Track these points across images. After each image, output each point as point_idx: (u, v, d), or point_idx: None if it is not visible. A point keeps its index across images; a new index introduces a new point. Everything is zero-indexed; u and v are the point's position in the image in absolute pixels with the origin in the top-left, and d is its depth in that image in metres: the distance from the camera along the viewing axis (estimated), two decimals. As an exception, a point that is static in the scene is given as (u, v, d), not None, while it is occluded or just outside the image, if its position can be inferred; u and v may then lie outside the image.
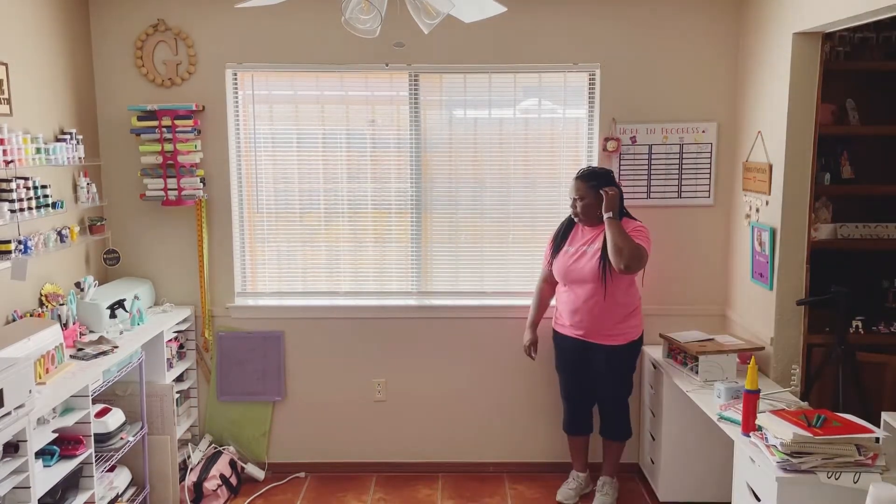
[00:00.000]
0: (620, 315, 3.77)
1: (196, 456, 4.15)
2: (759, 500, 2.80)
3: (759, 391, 2.89)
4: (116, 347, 3.49)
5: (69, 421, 3.07)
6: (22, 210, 3.28)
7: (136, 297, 3.94)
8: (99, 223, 4.07)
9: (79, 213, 3.98)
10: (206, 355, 4.36)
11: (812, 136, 3.55)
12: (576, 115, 4.25)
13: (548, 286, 4.02)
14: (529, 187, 4.31)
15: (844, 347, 3.37)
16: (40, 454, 2.94)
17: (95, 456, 3.21)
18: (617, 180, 3.86)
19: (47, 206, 3.48)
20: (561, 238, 3.89)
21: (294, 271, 4.40)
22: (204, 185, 4.19)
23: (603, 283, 3.69)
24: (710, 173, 4.21)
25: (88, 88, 4.12)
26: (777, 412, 2.86)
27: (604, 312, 3.74)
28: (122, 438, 3.50)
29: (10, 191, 3.22)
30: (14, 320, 3.34)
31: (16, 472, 2.64)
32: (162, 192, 4.09)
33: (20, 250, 3.30)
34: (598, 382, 3.90)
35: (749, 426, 2.87)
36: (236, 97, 4.24)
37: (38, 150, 3.43)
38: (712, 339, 3.80)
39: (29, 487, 2.69)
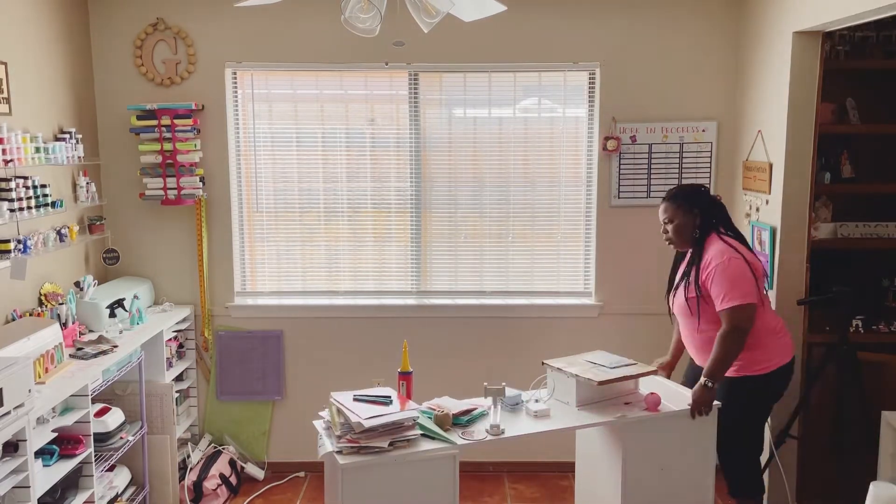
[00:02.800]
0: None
1: (196, 455, 4.15)
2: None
3: (411, 372, 3.03)
4: (116, 347, 3.48)
5: (69, 420, 3.06)
6: (21, 209, 3.28)
7: (135, 297, 3.94)
8: (98, 222, 4.06)
9: (78, 213, 3.97)
10: (205, 355, 4.36)
11: (812, 135, 3.55)
12: (576, 114, 4.25)
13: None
14: (529, 186, 4.31)
15: (845, 347, 3.37)
16: (40, 453, 2.93)
17: (95, 455, 3.21)
18: (713, 194, 3.38)
19: (47, 205, 3.48)
20: (672, 275, 3.38)
21: (293, 270, 4.40)
22: (203, 184, 4.18)
23: (696, 316, 3.14)
24: (710, 172, 4.21)
25: (88, 87, 4.11)
26: None
27: (704, 345, 3.17)
28: (121, 438, 3.50)
29: (10, 190, 3.21)
30: (13, 320, 3.34)
31: (15, 472, 2.64)
32: (161, 192, 4.09)
33: (19, 250, 3.29)
34: None
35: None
36: (236, 96, 4.23)
37: (37, 150, 3.42)
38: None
39: (28, 487, 2.68)
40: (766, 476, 3.67)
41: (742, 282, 2.95)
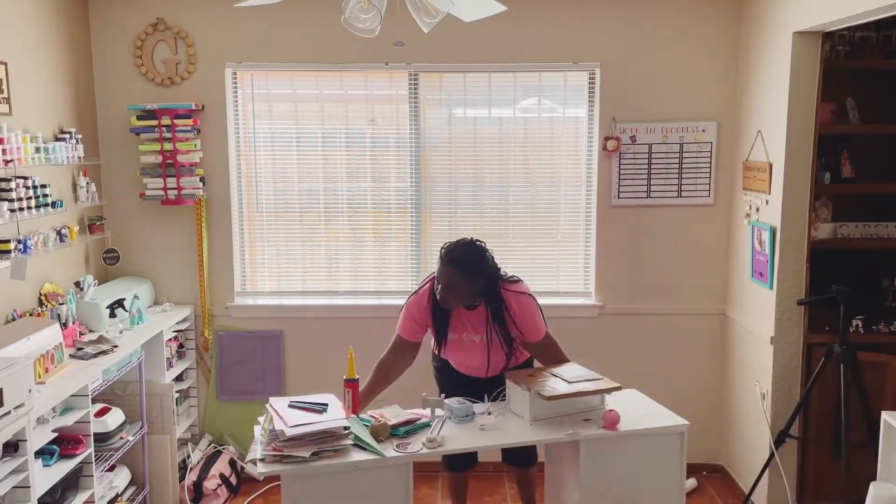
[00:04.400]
0: None
1: (196, 455, 4.15)
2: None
3: (356, 379, 2.94)
4: (116, 347, 3.48)
5: (69, 420, 3.06)
6: (21, 209, 3.28)
7: (135, 297, 3.94)
8: (98, 222, 4.06)
9: (78, 213, 3.97)
10: (205, 355, 4.36)
11: (812, 135, 3.55)
12: (576, 114, 4.25)
13: None
14: (529, 186, 4.31)
15: (845, 347, 3.37)
16: (40, 453, 2.94)
17: (95, 455, 3.21)
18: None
19: (47, 205, 3.48)
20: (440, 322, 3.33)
21: (293, 271, 4.40)
22: (203, 184, 4.18)
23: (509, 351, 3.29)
24: (710, 172, 4.21)
25: (88, 87, 4.11)
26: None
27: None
28: (121, 438, 3.50)
29: (10, 190, 3.21)
30: (14, 320, 3.34)
31: (15, 472, 2.64)
32: (161, 192, 4.09)
33: (20, 250, 3.29)
34: None
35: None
36: (236, 96, 4.23)
37: (37, 150, 3.42)
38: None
39: (28, 487, 2.68)
40: (766, 476, 3.68)
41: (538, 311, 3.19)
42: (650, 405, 3.12)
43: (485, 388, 3.15)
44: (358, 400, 2.96)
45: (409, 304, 3.20)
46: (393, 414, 2.90)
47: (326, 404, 2.83)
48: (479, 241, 3.14)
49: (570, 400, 2.92)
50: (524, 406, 2.93)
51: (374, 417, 2.86)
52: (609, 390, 2.98)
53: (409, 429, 2.82)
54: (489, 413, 2.99)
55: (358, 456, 2.64)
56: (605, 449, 2.84)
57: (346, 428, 2.69)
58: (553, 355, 3.23)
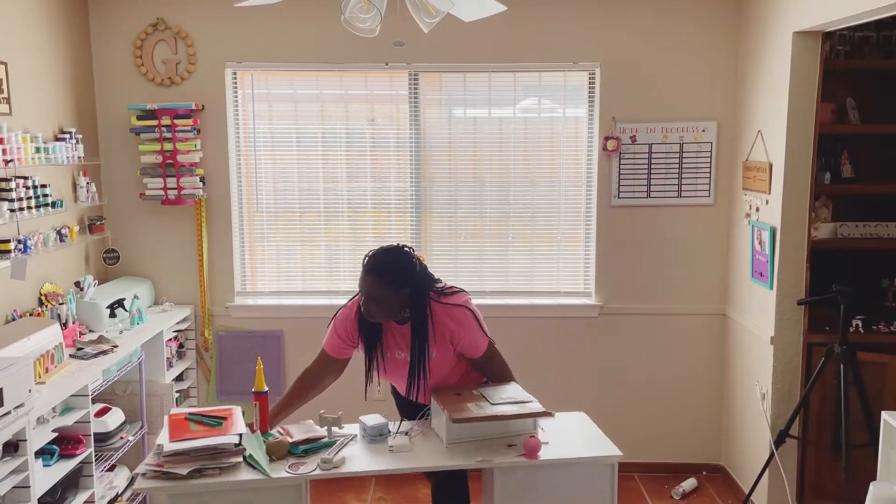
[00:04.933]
0: None
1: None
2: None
3: (266, 392, 2.75)
4: (116, 347, 3.48)
5: (69, 420, 3.06)
6: (21, 209, 3.28)
7: (135, 297, 3.94)
8: (98, 222, 4.06)
9: (78, 213, 3.97)
10: (205, 354, 4.36)
11: (812, 135, 3.55)
12: (576, 114, 4.25)
13: None
14: (529, 186, 4.31)
15: (845, 347, 3.37)
16: (40, 453, 2.93)
17: (95, 455, 3.21)
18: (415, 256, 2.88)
19: (47, 205, 3.48)
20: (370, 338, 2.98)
21: (294, 271, 4.40)
22: (203, 184, 4.18)
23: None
24: (710, 172, 4.21)
25: (88, 87, 4.11)
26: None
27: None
28: (121, 438, 3.50)
29: (10, 190, 3.21)
30: (14, 319, 3.34)
31: (15, 472, 2.64)
32: (161, 192, 4.09)
33: (20, 250, 3.29)
34: None
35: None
36: (236, 96, 4.24)
37: (37, 150, 3.42)
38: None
39: (29, 487, 2.68)
40: (766, 476, 3.68)
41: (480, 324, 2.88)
42: (591, 432, 2.86)
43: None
44: (267, 414, 2.77)
45: (336, 318, 2.90)
46: (303, 430, 2.72)
47: (224, 418, 2.69)
48: (407, 246, 2.84)
49: (495, 424, 2.67)
50: (442, 428, 2.71)
51: (281, 433, 2.71)
52: (535, 415, 2.69)
53: (309, 447, 2.63)
54: (406, 433, 2.78)
55: (247, 475, 2.47)
56: (524, 479, 2.60)
57: (237, 444, 2.55)
58: (494, 371, 2.94)
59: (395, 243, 2.86)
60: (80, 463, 3.11)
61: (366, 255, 2.78)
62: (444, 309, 2.79)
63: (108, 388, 3.48)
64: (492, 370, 2.94)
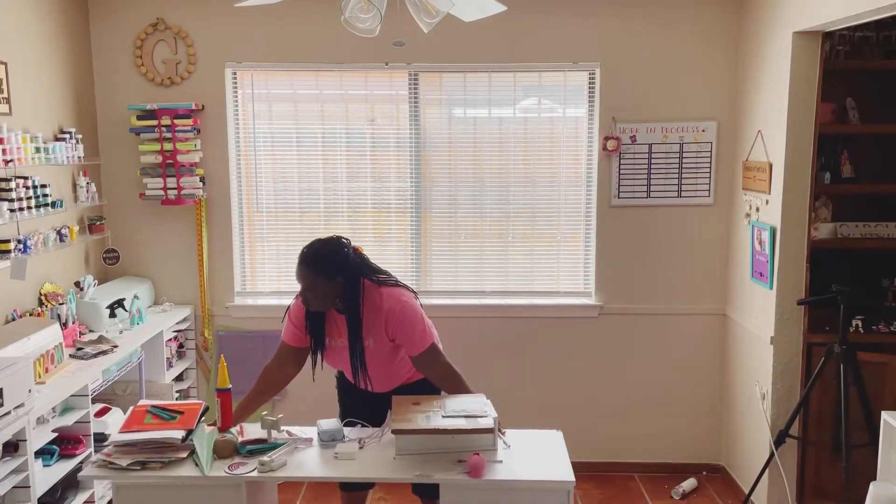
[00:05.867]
0: None
1: (196, 455, 4.15)
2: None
3: (229, 389, 2.77)
4: (116, 347, 3.48)
5: (69, 420, 3.07)
6: (21, 209, 3.28)
7: (135, 297, 3.94)
8: (98, 222, 4.07)
9: (78, 213, 3.97)
10: (205, 354, 4.36)
11: (812, 135, 3.55)
12: (575, 114, 4.25)
13: None
14: (529, 186, 4.31)
15: (845, 347, 3.37)
16: (40, 453, 2.94)
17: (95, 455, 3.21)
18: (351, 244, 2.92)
19: (47, 205, 3.48)
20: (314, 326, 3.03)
21: (293, 271, 4.38)
22: (203, 184, 4.18)
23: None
24: (710, 172, 4.21)
25: (88, 87, 4.11)
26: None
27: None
28: (121, 438, 3.49)
29: (10, 190, 3.21)
30: (14, 319, 3.34)
31: (15, 472, 2.64)
32: (161, 192, 4.09)
33: (20, 249, 3.29)
34: None
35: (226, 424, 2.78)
36: (236, 96, 4.23)
37: (37, 150, 3.42)
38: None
39: (29, 487, 2.69)
40: (766, 476, 3.68)
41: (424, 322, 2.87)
42: (555, 454, 2.70)
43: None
44: (230, 411, 2.78)
45: (290, 308, 3.00)
46: (253, 430, 2.74)
47: (182, 412, 2.72)
48: (342, 238, 2.89)
49: (448, 438, 2.58)
50: (393, 437, 2.66)
51: (238, 433, 2.72)
52: (479, 431, 2.59)
53: (256, 448, 2.62)
54: (359, 440, 2.73)
55: (190, 471, 2.50)
56: (471, 499, 2.51)
57: (179, 440, 2.57)
58: (436, 375, 2.89)
59: (333, 235, 2.92)
60: (80, 463, 3.11)
61: (303, 248, 2.86)
62: (381, 298, 2.81)
63: (108, 388, 3.48)
64: (433, 373, 2.90)
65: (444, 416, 2.66)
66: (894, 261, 3.89)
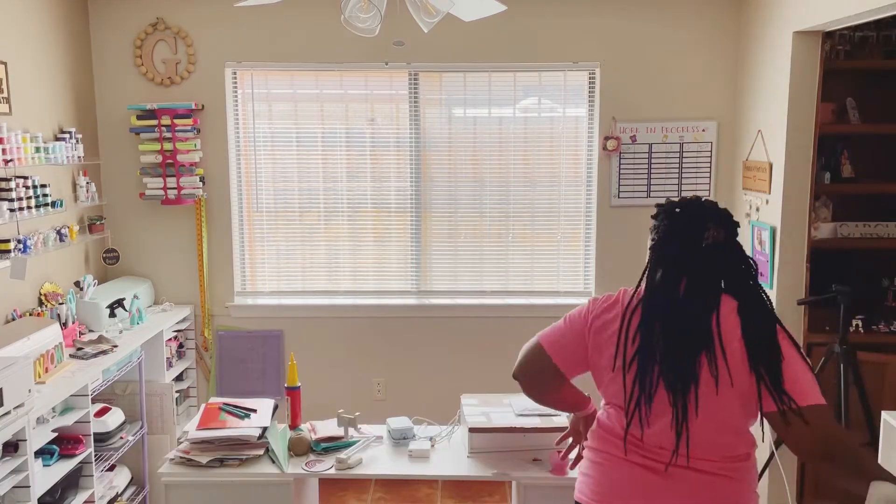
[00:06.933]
0: None
1: (196, 455, 4.15)
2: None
3: (298, 387, 2.82)
4: (116, 346, 3.48)
5: (69, 420, 3.06)
6: (21, 209, 3.28)
7: (135, 297, 3.94)
8: (98, 222, 4.06)
9: (78, 213, 3.97)
10: (205, 354, 4.36)
11: (812, 134, 3.55)
12: (575, 113, 4.25)
13: None
14: (529, 186, 4.31)
15: (845, 347, 3.37)
16: (40, 453, 2.93)
17: (95, 455, 3.20)
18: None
19: (46, 205, 3.48)
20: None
21: (293, 270, 4.40)
22: (203, 184, 4.18)
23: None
24: (710, 172, 4.21)
25: (88, 87, 4.11)
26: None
27: None
28: (121, 438, 3.50)
29: (10, 190, 3.21)
30: (13, 319, 3.33)
31: (15, 472, 2.64)
32: (161, 191, 4.09)
33: (19, 249, 3.29)
34: None
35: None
36: (236, 96, 4.23)
37: (37, 149, 3.42)
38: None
39: (28, 487, 2.68)
40: (766, 476, 3.67)
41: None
42: None
43: None
44: (299, 408, 2.82)
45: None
46: (330, 428, 2.75)
47: (254, 410, 2.74)
48: None
49: (520, 436, 2.57)
50: (466, 435, 2.67)
51: (310, 430, 2.75)
52: (557, 430, 2.54)
53: (330, 446, 2.66)
54: (430, 438, 2.75)
55: (267, 468, 2.54)
56: (549, 497, 2.44)
57: (256, 437, 2.60)
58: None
59: None
60: (80, 463, 3.11)
61: None
62: None
63: (108, 388, 3.48)
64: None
65: (517, 415, 2.66)
66: (894, 261, 3.89)
